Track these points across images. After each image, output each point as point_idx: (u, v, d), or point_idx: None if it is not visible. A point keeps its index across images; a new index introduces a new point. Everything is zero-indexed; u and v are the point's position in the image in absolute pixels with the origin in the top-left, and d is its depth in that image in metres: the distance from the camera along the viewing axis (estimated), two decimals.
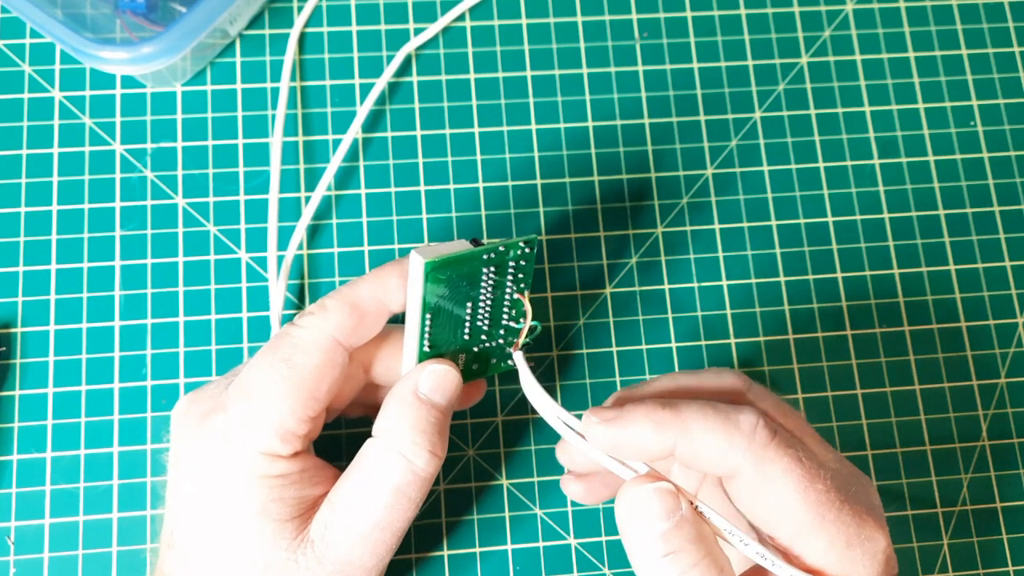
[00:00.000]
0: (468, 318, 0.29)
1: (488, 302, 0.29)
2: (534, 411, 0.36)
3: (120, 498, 0.34)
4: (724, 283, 0.38)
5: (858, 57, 0.41)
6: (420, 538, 0.35)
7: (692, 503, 0.25)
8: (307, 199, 0.38)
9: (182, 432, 0.28)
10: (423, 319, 0.28)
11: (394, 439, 0.27)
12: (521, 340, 0.29)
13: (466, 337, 0.29)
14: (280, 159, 0.37)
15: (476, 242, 0.28)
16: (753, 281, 0.38)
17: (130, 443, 0.35)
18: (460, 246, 0.28)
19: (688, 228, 0.38)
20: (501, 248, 0.27)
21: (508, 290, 0.29)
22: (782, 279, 0.38)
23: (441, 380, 0.28)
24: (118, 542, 0.34)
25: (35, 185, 0.37)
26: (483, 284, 0.28)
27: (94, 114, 0.38)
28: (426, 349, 0.29)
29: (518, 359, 0.29)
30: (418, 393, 0.28)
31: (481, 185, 0.38)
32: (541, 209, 0.38)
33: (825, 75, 0.41)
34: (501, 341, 0.30)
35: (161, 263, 0.36)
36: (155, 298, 0.36)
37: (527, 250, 0.28)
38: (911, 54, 0.41)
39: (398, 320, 0.31)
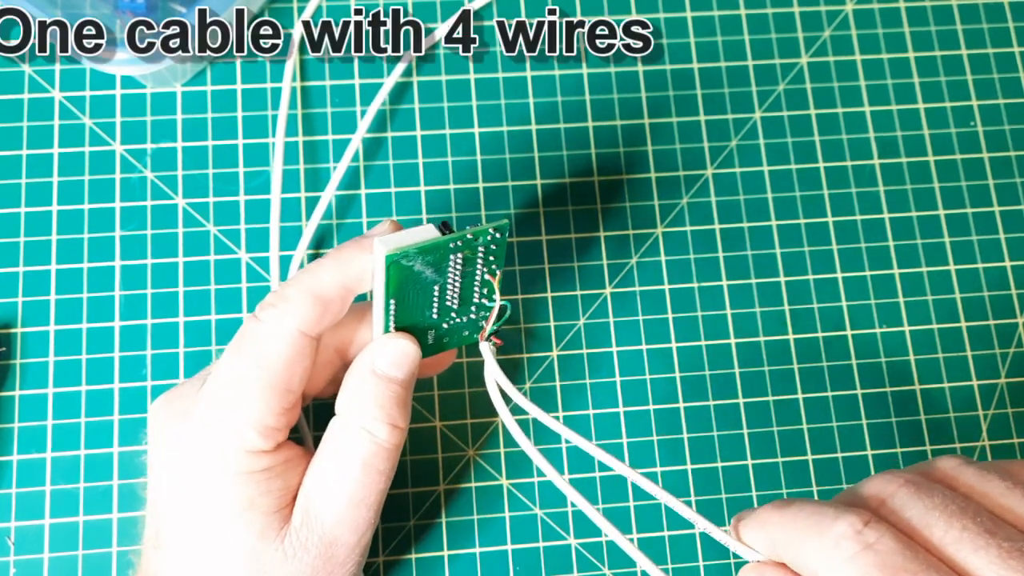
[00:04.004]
0: (436, 299, 0.28)
1: (457, 284, 0.28)
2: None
3: (120, 498, 0.34)
4: (724, 283, 0.38)
5: (858, 57, 0.41)
6: (420, 538, 0.35)
7: None
8: (308, 199, 0.38)
9: (161, 434, 0.28)
10: (387, 305, 0.28)
11: (355, 415, 0.27)
12: (489, 326, 0.29)
13: (434, 316, 0.29)
14: (283, 159, 0.37)
15: (446, 226, 0.27)
16: (753, 281, 0.38)
17: (130, 443, 0.35)
18: (426, 233, 0.27)
19: (688, 228, 0.38)
20: (469, 236, 0.27)
21: (479, 272, 0.28)
22: (782, 279, 0.38)
23: (398, 355, 0.28)
24: (118, 542, 0.34)
25: (35, 185, 0.37)
26: (450, 269, 0.28)
27: (94, 114, 0.38)
28: (392, 331, 0.29)
29: (484, 349, 0.29)
30: (375, 370, 0.28)
31: (481, 185, 0.38)
32: (541, 209, 0.38)
33: (825, 75, 0.41)
34: (472, 316, 0.30)
35: (161, 263, 0.36)
36: (155, 298, 0.36)
37: (497, 235, 0.28)
38: (911, 54, 0.41)
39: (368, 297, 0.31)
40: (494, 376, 0.29)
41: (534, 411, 0.28)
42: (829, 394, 0.37)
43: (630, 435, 0.36)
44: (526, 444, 0.27)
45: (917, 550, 0.21)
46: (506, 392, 0.28)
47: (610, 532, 0.26)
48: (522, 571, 0.35)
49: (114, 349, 0.36)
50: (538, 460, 0.27)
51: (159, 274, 0.36)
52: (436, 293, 0.28)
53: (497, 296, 0.29)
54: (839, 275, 0.38)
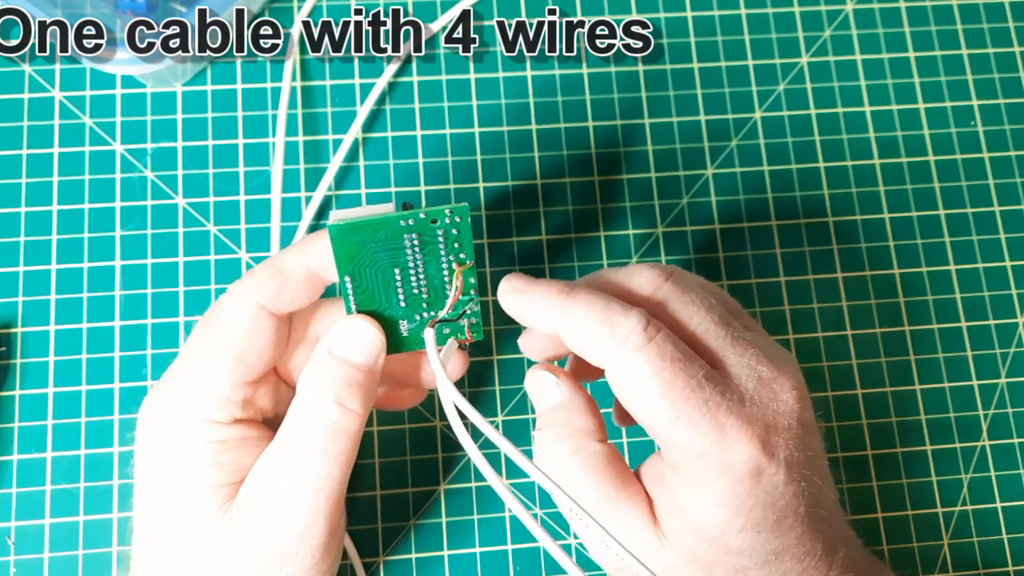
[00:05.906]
0: (400, 285, 0.28)
1: (420, 270, 0.28)
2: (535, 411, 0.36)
3: (120, 498, 0.34)
4: (724, 283, 0.38)
5: (858, 57, 0.41)
6: (420, 538, 0.35)
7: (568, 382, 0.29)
8: (308, 199, 0.38)
9: (140, 410, 0.29)
10: (343, 282, 0.28)
11: (304, 395, 0.27)
12: (443, 314, 0.29)
13: (403, 305, 0.28)
14: (283, 159, 0.37)
15: (407, 207, 0.27)
16: (753, 281, 0.38)
17: (130, 443, 0.35)
18: (382, 210, 0.27)
19: (688, 228, 0.38)
20: (422, 215, 0.27)
21: (444, 260, 0.28)
22: (782, 279, 0.38)
23: (352, 338, 0.28)
24: (118, 542, 0.34)
25: (35, 185, 0.37)
26: (408, 252, 0.27)
27: (94, 114, 0.38)
28: (354, 313, 0.28)
29: (427, 336, 0.28)
30: (330, 352, 0.28)
31: (481, 185, 0.38)
32: (541, 209, 0.38)
33: (825, 75, 0.41)
34: (449, 311, 0.29)
35: (161, 263, 0.36)
36: (155, 298, 0.36)
37: (456, 219, 0.27)
38: (911, 54, 0.41)
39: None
40: (433, 367, 0.27)
41: (467, 409, 0.27)
42: (829, 394, 0.37)
43: (630, 435, 0.36)
44: (469, 445, 0.27)
45: (680, 343, 0.26)
46: (447, 388, 0.27)
47: (541, 538, 0.26)
48: (522, 571, 0.35)
49: (114, 349, 0.36)
50: (478, 461, 0.27)
51: (159, 274, 0.36)
52: (399, 278, 0.28)
53: (457, 285, 0.28)
54: (840, 275, 0.38)
